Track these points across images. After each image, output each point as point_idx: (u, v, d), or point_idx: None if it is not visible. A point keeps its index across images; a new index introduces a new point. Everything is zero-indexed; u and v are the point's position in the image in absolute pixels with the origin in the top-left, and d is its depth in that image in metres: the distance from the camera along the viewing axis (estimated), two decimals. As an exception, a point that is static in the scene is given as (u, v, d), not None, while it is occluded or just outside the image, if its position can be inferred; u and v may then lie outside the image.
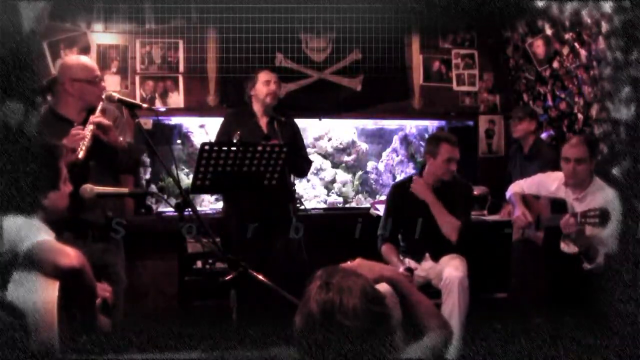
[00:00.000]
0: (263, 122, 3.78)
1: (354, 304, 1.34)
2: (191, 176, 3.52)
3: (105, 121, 2.87)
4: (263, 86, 3.77)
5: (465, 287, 3.36)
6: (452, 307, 3.32)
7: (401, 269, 3.41)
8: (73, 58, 3.30)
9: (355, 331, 1.33)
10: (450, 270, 3.42)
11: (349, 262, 1.75)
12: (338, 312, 1.33)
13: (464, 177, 4.38)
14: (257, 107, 3.81)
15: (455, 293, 3.32)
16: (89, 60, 3.17)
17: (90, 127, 2.81)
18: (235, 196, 3.76)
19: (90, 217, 2.93)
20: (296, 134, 3.94)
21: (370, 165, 5.11)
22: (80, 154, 2.67)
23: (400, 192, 3.76)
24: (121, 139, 2.98)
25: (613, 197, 3.25)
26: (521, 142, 4.45)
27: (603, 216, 3.02)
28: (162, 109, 4.38)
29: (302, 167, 3.94)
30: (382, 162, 5.13)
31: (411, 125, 5.17)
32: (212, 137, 4.66)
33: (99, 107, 2.94)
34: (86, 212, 2.88)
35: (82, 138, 2.75)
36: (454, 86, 5.01)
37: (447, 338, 1.66)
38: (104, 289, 2.09)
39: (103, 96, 3.00)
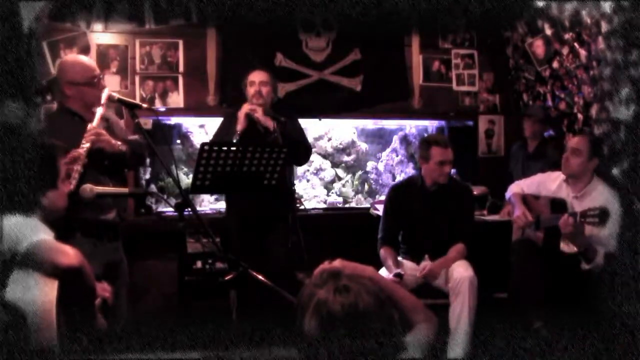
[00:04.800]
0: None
1: (373, 305, 1.35)
2: (191, 176, 3.51)
3: (100, 138, 2.91)
4: (250, 87, 3.78)
5: (475, 286, 3.37)
6: (462, 307, 3.33)
7: (391, 275, 3.42)
8: (70, 59, 3.24)
9: (380, 332, 1.33)
10: (460, 270, 3.43)
11: (326, 263, 1.76)
12: (363, 315, 1.33)
13: (464, 177, 4.39)
14: (239, 125, 3.75)
15: (466, 293, 3.33)
16: (86, 60, 3.15)
17: (86, 145, 2.85)
18: (235, 196, 3.75)
19: (109, 217, 2.99)
20: (294, 124, 3.90)
21: (370, 165, 5.11)
22: (72, 184, 2.69)
23: (399, 193, 3.76)
24: (119, 143, 3.00)
25: (612, 197, 3.25)
26: (527, 140, 4.46)
27: (602, 215, 3.02)
28: (162, 109, 4.38)
29: (300, 155, 3.86)
30: (382, 162, 5.13)
31: (411, 125, 5.17)
32: (211, 137, 4.66)
33: (97, 116, 2.96)
34: (106, 213, 2.95)
35: (76, 161, 2.77)
36: (454, 86, 5.01)
37: (434, 330, 1.68)
38: (103, 289, 2.09)
39: (103, 96, 3.02)
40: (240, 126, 3.59)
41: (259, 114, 3.59)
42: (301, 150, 3.83)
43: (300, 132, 3.93)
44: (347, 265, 1.75)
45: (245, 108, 3.64)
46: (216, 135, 3.87)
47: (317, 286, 1.40)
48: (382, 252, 3.66)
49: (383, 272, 3.51)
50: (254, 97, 3.73)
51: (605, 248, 3.17)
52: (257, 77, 3.79)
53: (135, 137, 3.23)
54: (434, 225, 3.62)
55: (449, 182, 3.69)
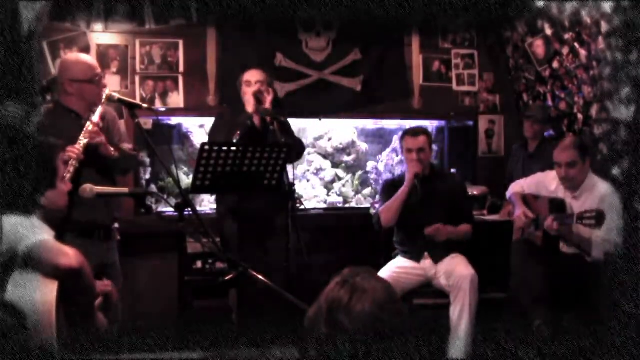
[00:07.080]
0: (257, 121, 3.68)
1: (362, 307, 1.32)
2: (191, 176, 3.51)
3: (97, 140, 2.90)
4: (246, 87, 3.70)
5: (476, 285, 3.38)
6: (463, 306, 3.33)
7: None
8: (72, 57, 3.27)
9: (355, 334, 1.32)
10: (462, 269, 3.44)
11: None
12: (342, 311, 1.32)
13: (464, 177, 4.40)
14: (249, 107, 3.74)
15: (467, 291, 3.34)
16: (88, 59, 3.16)
17: (83, 140, 2.85)
18: (231, 196, 3.73)
19: (98, 217, 2.98)
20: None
21: (370, 165, 5.10)
22: (67, 177, 2.69)
23: (392, 186, 3.76)
24: (112, 150, 3.00)
25: (609, 192, 3.27)
26: (528, 140, 4.46)
27: (599, 217, 3.05)
28: (162, 109, 4.38)
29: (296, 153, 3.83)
30: (382, 162, 5.13)
31: (411, 125, 5.16)
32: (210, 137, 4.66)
33: (97, 113, 2.96)
34: (95, 212, 2.94)
35: (74, 157, 2.77)
36: (454, 86, 5.01)
37: None
38: (105, 285, 2.09)
39: (104, 95, 3.03)
40: (250, 108, 3.58)
41: (266, 100, 3.56)
42: (297, 149, 3.80)
43: (290, 130, 3.87)
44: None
45: (255, 87, 3.62)
46: (215, 133, 3.82)
47: (335, 279, 1.41)
48: (380, 209, 3.69)
49: (383, 273, 3.50)
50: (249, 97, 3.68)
51: (603, 247, 3.18)
52: (253, 76, 3.70)
53: (130, 147, 3.24)
54: (425, 211, 3.59)
55: (433, 171, 3.78)
